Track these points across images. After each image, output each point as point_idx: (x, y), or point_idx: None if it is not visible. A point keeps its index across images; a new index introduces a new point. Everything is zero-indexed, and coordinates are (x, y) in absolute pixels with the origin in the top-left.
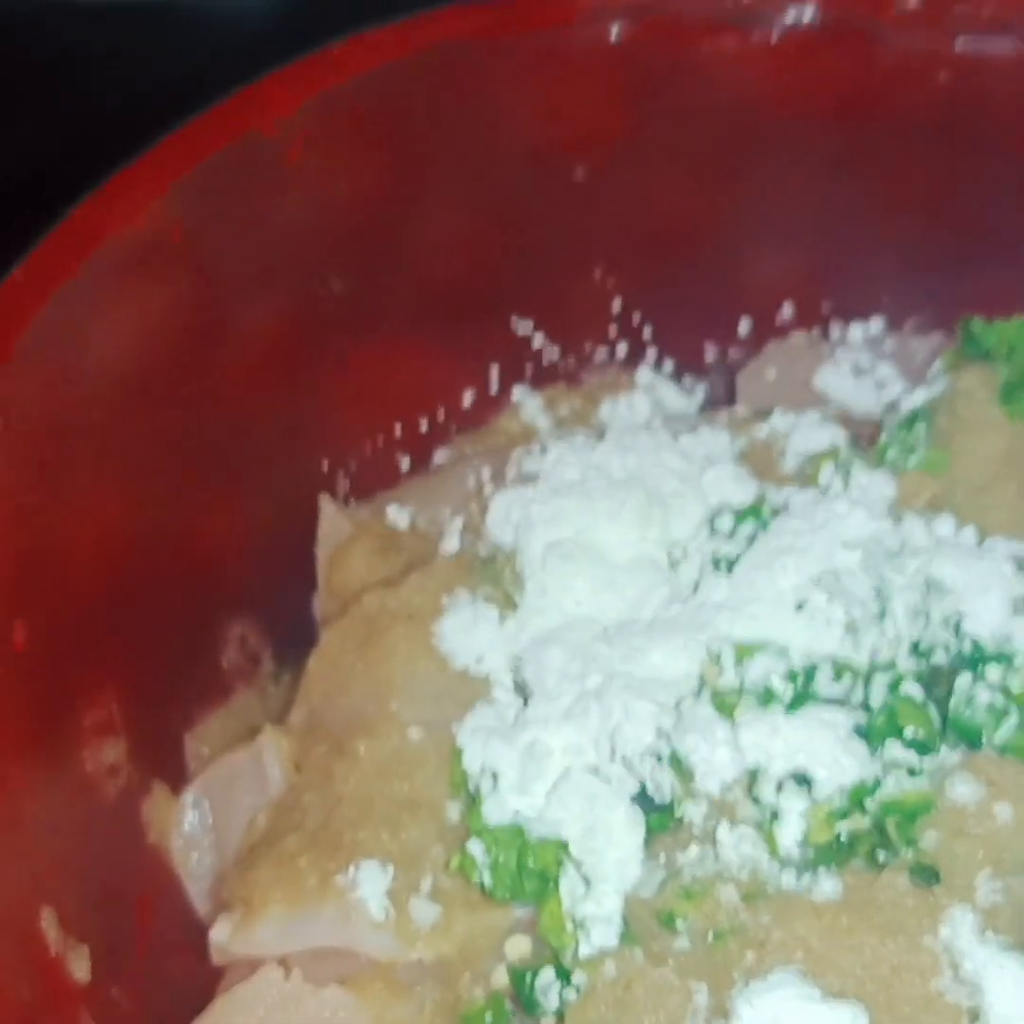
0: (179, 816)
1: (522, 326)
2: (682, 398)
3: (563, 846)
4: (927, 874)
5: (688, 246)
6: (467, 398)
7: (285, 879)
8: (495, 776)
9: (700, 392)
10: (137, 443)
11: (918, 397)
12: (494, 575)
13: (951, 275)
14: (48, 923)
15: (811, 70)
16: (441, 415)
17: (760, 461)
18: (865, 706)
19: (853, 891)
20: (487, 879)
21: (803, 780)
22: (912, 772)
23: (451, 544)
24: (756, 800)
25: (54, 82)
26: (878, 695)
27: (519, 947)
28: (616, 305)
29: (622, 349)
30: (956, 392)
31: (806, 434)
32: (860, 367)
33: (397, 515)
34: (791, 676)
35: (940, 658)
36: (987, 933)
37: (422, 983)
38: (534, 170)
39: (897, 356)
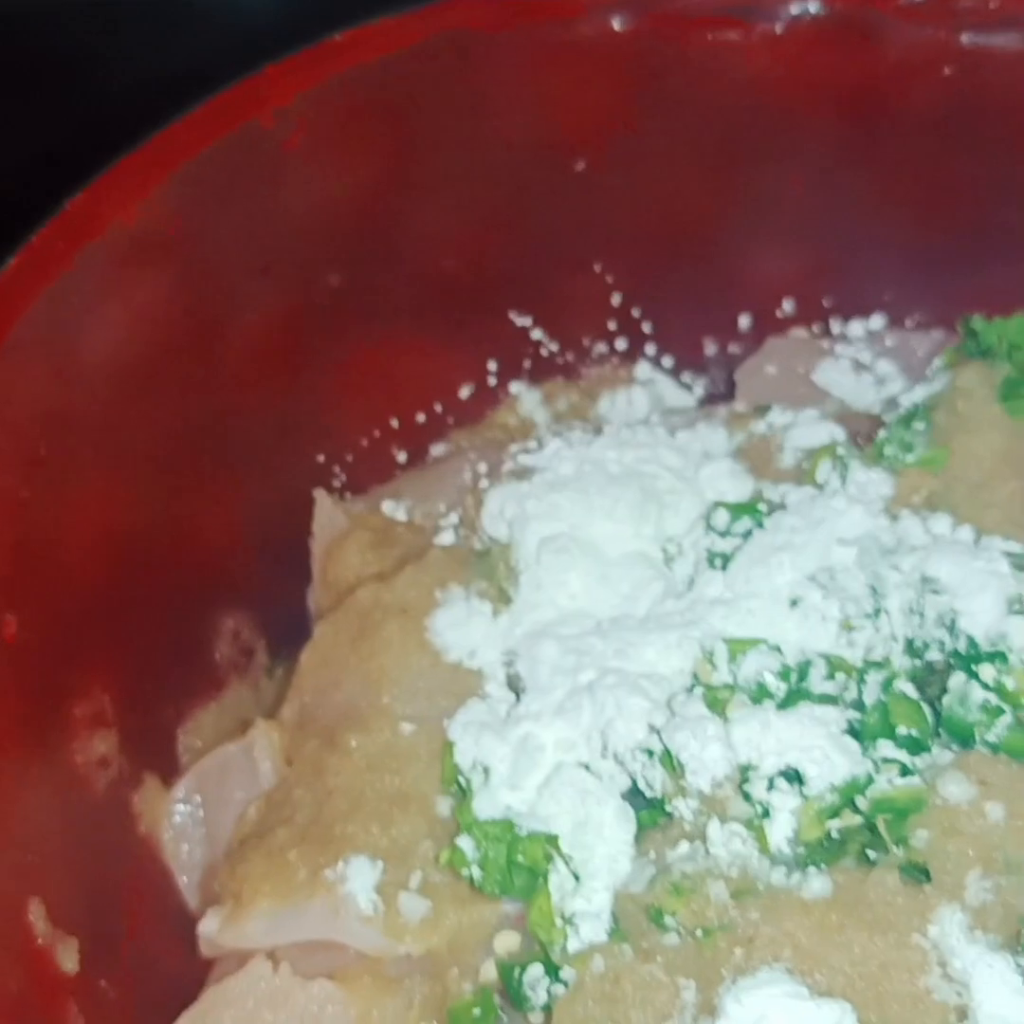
0: (170, 808)
1: (521, 320)
2: (681, 393)
3: (553, 841)
4: (917, 872)
5: (688, 240)
6: (464, 392)
7: (274, 873)
8: (486, 771)
9: (699, 387)
10: (131, 436)
11: (917, 394)
12: (488, 569)
13: (953, 272)
14: (36, 914)
15: (815, 63)
16: (438, 409)
17: (758, 457)
18: (858, 704)
19: (843, 889)
20: (476, 874)
21: (794, 777)
22: (904, 770)
23: (446, 538)
24: (747, 797)
25: (58, 75)
26: (871, 693)
27: (508, 942)
28: (615, 300)
29: (621, 344)
30: (956, 389)
31: (804, 430)
32: (860, 363)
33: (392, 509)
34: (784, 673)
35: (934, 656)
36: (976, 932)
37: (410, 977)
38: (535, 163)
39: (898, 352)
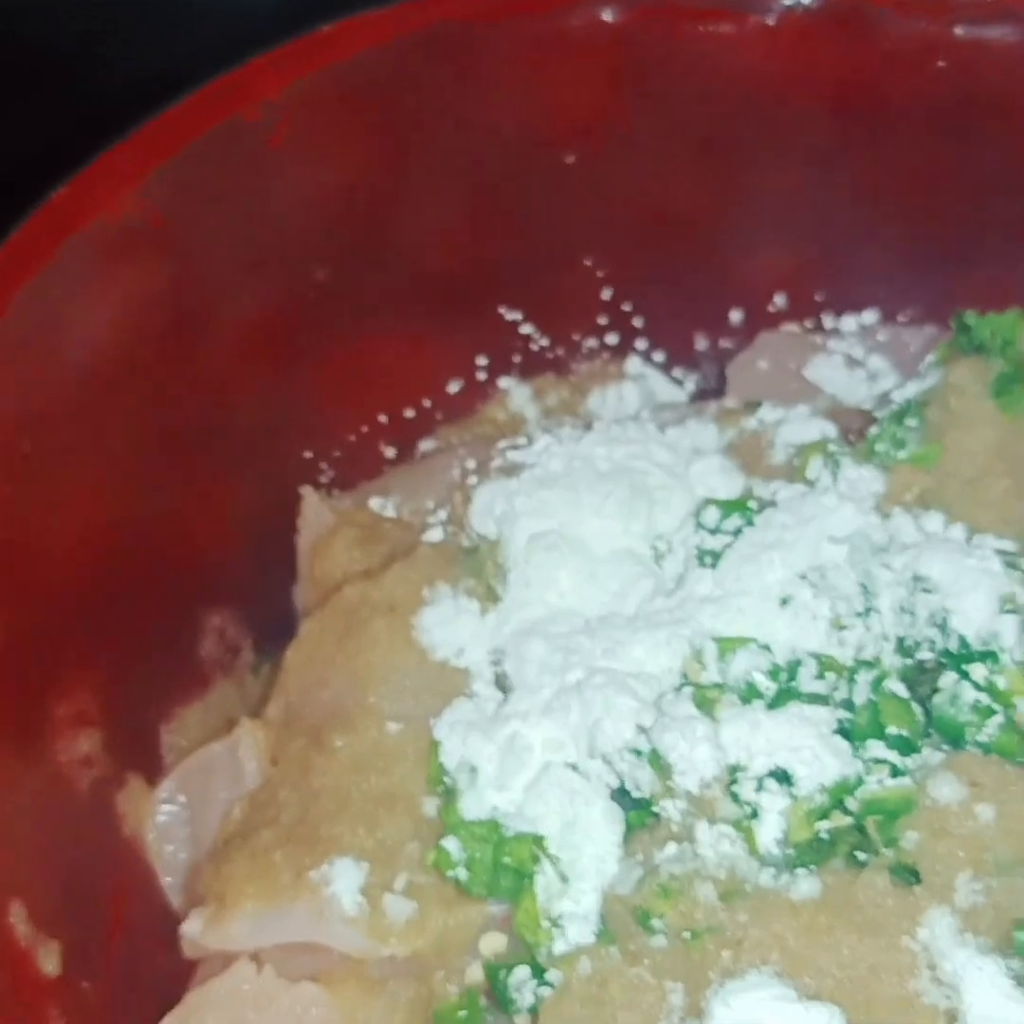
0: (154, 808)
1: (510, 315)
2: (672, 388)
3: (540, 842)
4: (907, 874)
5: (680, 235)
6: (453, 387)
7: (259, 874)
8: (473, 770)
9: (691, 382)
10: (116, 433)
11: (910, 390)
12: (476, 567)
13: (947, 267)
14: (17, 917)
15: (808, 55)
16: (427, 404)
17: (748, 453)
18: (848, 703)
19: (832, 890)
20: (462, 875)
21: (783, 778)
22: (894, 771)
23: (434, 535)
24: (735, 798)
25: (57, 72)
26: (862, 692)
27: (494, 943)
28: (606, 294)
29: (612, 339)
30: (948, 385)
31: (795, 427)
32: (853, 358)
33: (380, 505)
34: (774, 672)
35: (925, 655)
36: (966, 934)
37: (396, 979)
38: (524, 156)
39: (890, 348)
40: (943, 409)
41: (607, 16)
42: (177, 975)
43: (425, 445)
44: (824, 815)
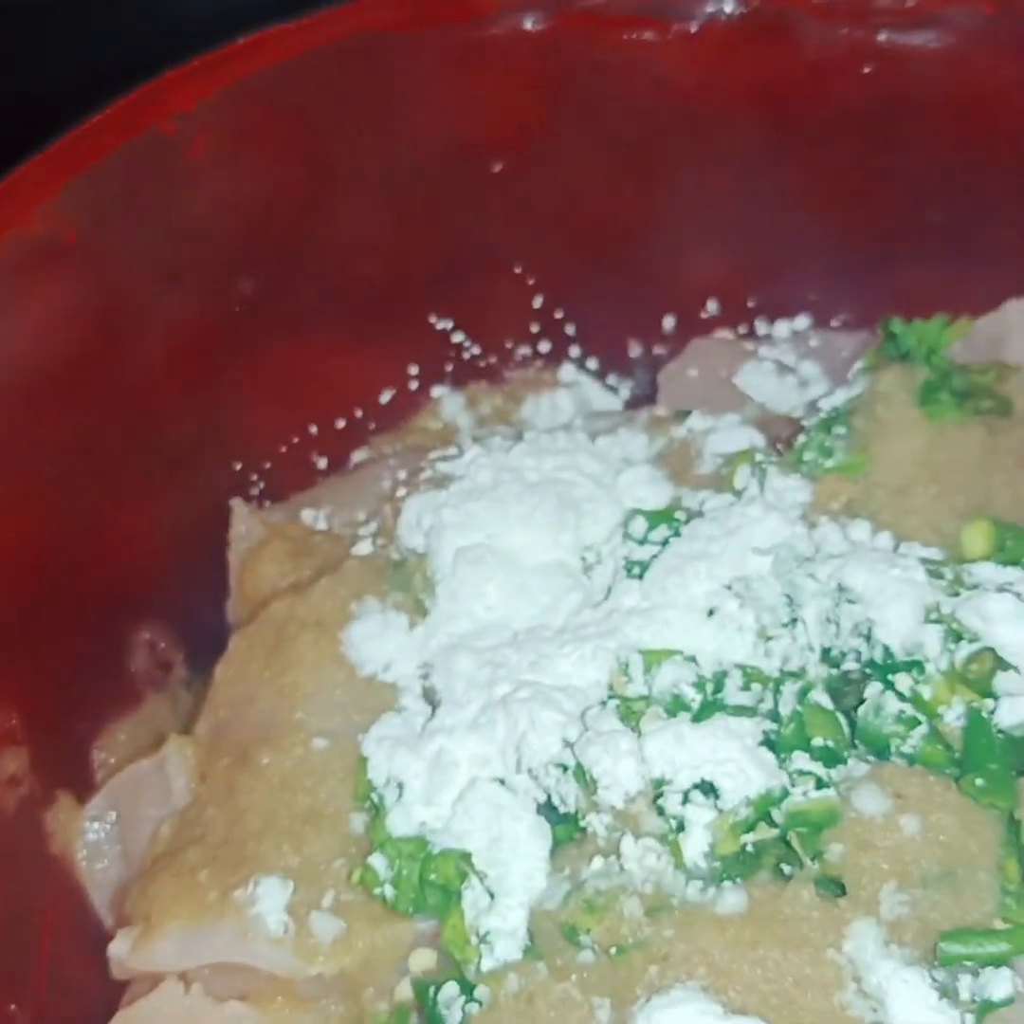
0: (83, 826)
1: (441, 324)
2: (607, 396)
3: (467, 858)
4: (832, 887)
5: (610, 242)
6: (385, 397)
7: (185, 894)
8: (401, 786)
9: (625, 389)
10: (37, 448)
11: (838, 398)
12: (405, 580)
13: (877, 272)
14: None
15: (732, 62)
16: (358, 414)
17: (677, 463)
18: (774, 715)
19: (758, 904)
20: (389, 893)
21: (709, 790)
22: (819, 783)
23: (363, 548)
24: (661, 811)
25: None
26: (787, 704)
27: (423, 960)
28: (537, 301)
29: (544, 346)
30: (875, 393)
31: (723, 436)
32: (784, 365)
33: (312, 517)
34: (700, 684)
35: (851, 666)
36: (891, 946)
37: (325, 997)
38: (450, 165)
39: (822, 353)
40: (870, 417)
41: (529, 25)
42: (108, 996)
43: (358, 455)
44: (750, 828)
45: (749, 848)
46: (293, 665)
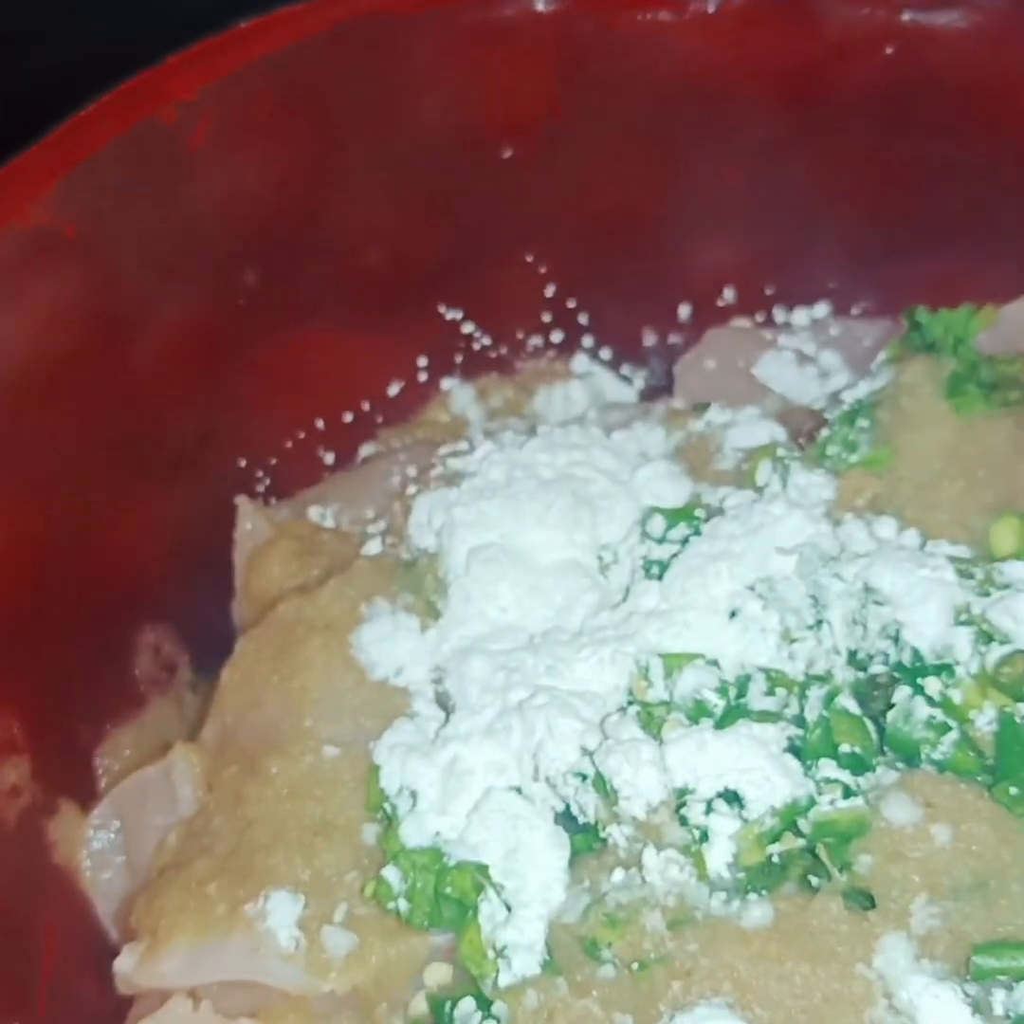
0: (87, 835)
1: (451, 314)
2: (621, 386)
3: (483, 870)
4: (861, 899)
5: (624, 228)
6: (393, 389)
7: (193, 907)
8: (414, 795)
9: (639, 379)
10: (37, 447)
11: (861, 390)
12: (416, 581)
13: (899, 258)
14: None
15: (751, 43)
16: (366, 408)
17: (696, 458)
18: (800, 720)
19: (784, 917)
20: (403, 907)
21: (733, 800)
22: (847, 791)
23: (372, 547)
24: (684, 821)
25: None
26: (813, 709)
27: (438, 975)
28: (549, 290)
29: (557, 336)
30: (900, 385)
31: (744, 430)
32: (804, 355)
33: (319, 515)
34: (722, 689)
35: (878, 669)
36: (923, 961)
37: (338, 1014)
38: (459, 150)
39: (842, 342)
40: (895, 410)
41: (540, 5)
42: (114, 1010)
43: (365, 450)
44: (775, 838)
45: (775, 859)
46: (301, 669)
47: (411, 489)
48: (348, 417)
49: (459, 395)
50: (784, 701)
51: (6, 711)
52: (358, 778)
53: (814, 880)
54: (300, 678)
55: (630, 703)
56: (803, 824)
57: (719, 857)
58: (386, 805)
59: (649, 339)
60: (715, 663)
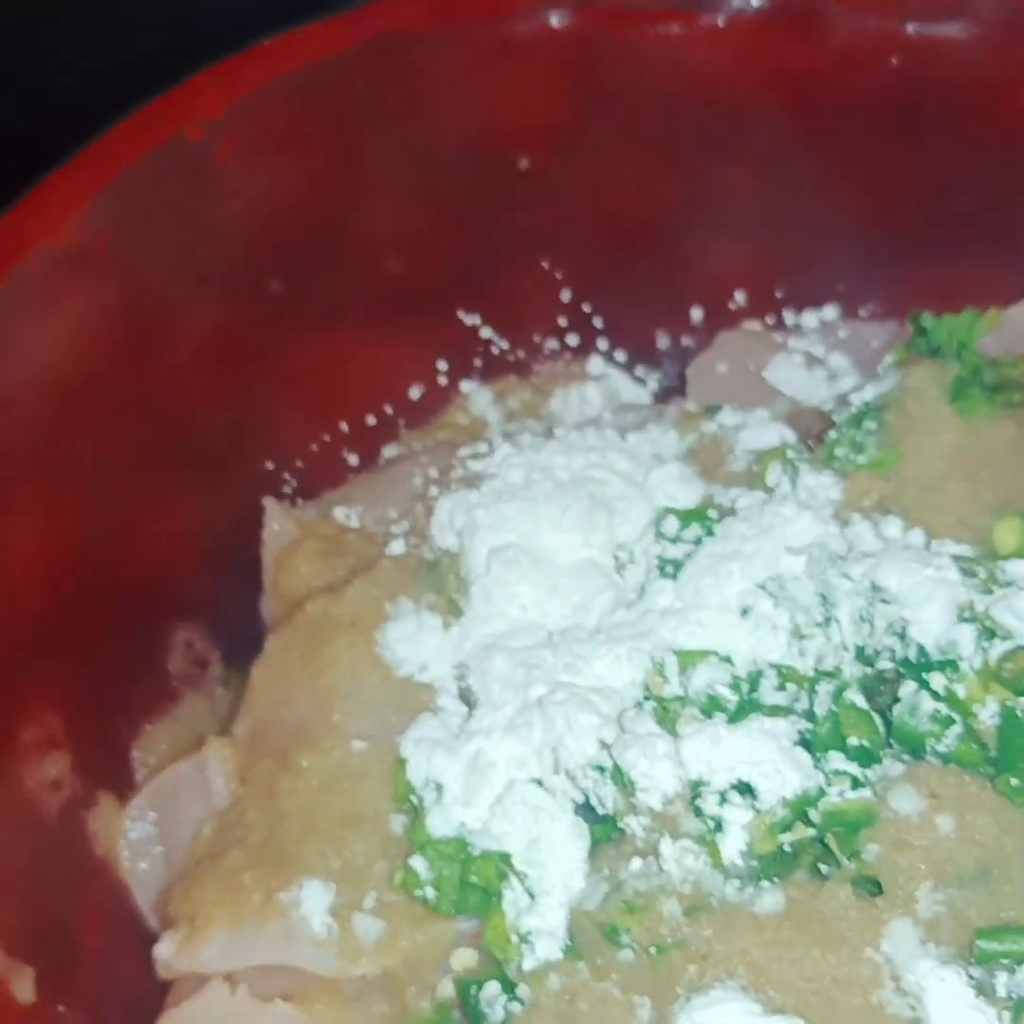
0: (125, 826)
1: (469, 319)
2: (635, 387)
3: (506, 859)
4: (869, 886)
5: (637, 234)
6: (415, 393)
7: (229, 897)
8: (439, 788)
9: (653, 381)
10: (72, 455)
11: (868, 393)
12: (438, 581)
13: (906, 261)
14: None
15: (760, 55)
16: (388, 411)
17: (708, 459)
18: (809, 714)
19: (796, 903)
20: (430, 894)
21: (746, 791)
22: (855, 783)
23: (396, 547)
24: (699, 812)
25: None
26: (822, 703)
27: (465, 959)
28: (565, 295)
29: (573, 339)
30: (906, 389)
31: (754, 432)
32: (813, 357)
33: (344, 515)
34: (735, 685)
35: (885, 665)
36: (929, 945)
37: (368, 996)
38: (477, 162)
39: (851, 344)
40: (901, 413)
41: (555, 22)
42: (152, 995)
43: (388, 451)
44: (787, 828)
45: (786, 848)
46: (329, 666)
47: (433, 490)
48: (371, 420)
49: (478, 398)
50: (794, 696)
51: (47, 709)
52: (385, 771)
53: (824, 868)
54: (328, 675)
55: (646, 698)
56: (813, 814)
57: (733, 846)
58: (412, 797)
59: (662, 341)
60: (728, 659)
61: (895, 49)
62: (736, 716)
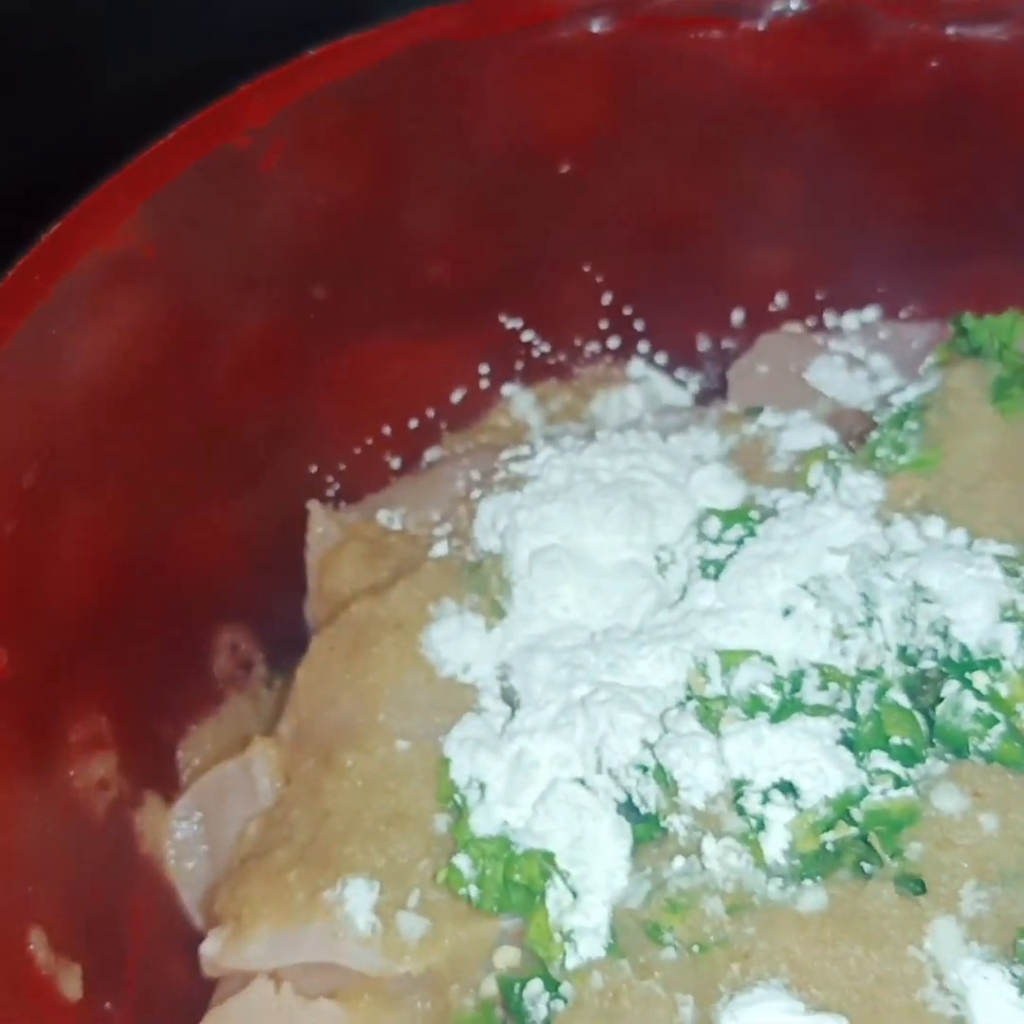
0: (171, 826)
1: (511, 323)
2: (676, 390)
3: (549, 858)
4: (912, 884)
5: (678, 238)
6: (457, 396)
7: (274, 895)
8: (482, 787)
9: (694, 383)
10: (119, 460)
11: (910, 393)
12: (481, 582)
13: (946, 263)
14: (37, 944)
15: (800, 59)
16: (430, 414)
17: (750, 460)
18: (852, 714)
19: (838, 902)
20: (474, 893)
21: (789, 790)
22: (898, 782)
23: (439, 549)
24: (741, 811)
25: (40, 84)
26: (865, 703)
27: (508, 957)
28: (606, 298)
29: (614, 342)
30: (947, 390)
31: (796, 433)
32: (854, 358)
33: (387, 518)
34: (777, 684)
35: (928, 664)
36: (972, 943)
37: (412, 994)
38: (519, 167)
39: (891, 346)
40: (942, 413)
41: (596, 27)
42: (198, 992)
43: (430, 454)
44: (829, 827)
45: (829, 847)
46: (374, 667)
47: (475, 493)
48: (414, 423)
49: (520, 401)
50: (837, 695)
51: (95, 710)
52: (429, 771)
53: (867, 866)
54: (373, 675)
55: (689, 698)
56: (856, 813)
57: (775, 845)
58: (456, 796)
59: (703, 344)
60: (770, 659)
61: (934, 52)
62: (778, 715)
